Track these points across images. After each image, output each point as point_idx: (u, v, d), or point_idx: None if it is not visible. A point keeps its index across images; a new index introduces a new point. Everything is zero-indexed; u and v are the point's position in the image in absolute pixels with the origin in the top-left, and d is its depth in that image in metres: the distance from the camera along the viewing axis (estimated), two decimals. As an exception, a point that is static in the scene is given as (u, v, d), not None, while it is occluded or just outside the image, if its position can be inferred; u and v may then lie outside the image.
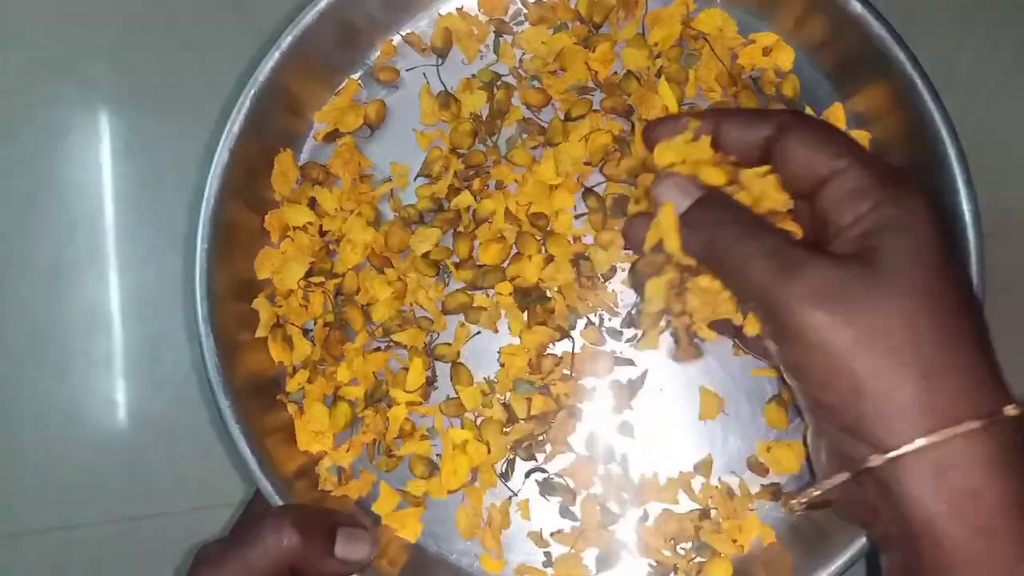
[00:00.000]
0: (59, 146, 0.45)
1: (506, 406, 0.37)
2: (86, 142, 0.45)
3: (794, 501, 0.30)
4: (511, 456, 0.37)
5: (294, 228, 0.38)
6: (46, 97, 0.46)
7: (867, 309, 0.26)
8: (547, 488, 0.37)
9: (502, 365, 0.37)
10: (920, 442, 0.25)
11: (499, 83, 0.39)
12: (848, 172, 0.28)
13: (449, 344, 0.38)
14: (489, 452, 0.36)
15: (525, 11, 0.39)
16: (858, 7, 0.35)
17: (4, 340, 0.45)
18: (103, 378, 0.44)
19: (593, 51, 0.38)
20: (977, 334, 0.27)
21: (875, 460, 0.26)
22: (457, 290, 0.38)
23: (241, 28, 0.45)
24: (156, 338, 0.44)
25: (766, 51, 0.37)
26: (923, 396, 0.25)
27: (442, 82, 0.39)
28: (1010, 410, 0.26)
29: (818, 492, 0.29)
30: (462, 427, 0.37)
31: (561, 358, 0.37)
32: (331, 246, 0.39)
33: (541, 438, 0.37)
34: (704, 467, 0.37)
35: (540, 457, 0.37)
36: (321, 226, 0.38)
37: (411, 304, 0.38)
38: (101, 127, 0.45)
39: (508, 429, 0.37)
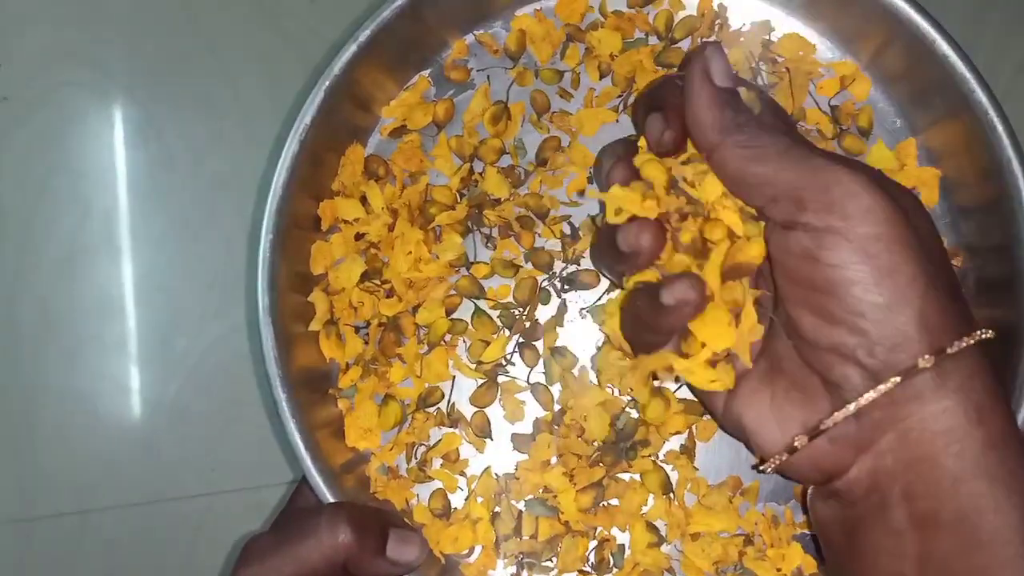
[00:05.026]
0: (72, 132, 0.45)
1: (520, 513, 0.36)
2: (99, 128, 0.45)
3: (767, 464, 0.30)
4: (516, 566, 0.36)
5: (344, 221, 0.38)
6: (59, 83, 0.45)
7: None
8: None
9: (517, 478, 0.36)
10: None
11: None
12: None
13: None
14: (498, 548, 0.36)
15: (602, 20, 0.39)
16: (944, 45, 0.35)
17: (18, 326, 0.44)
18: (116, 363, 0.44)
19: (666, 67, 0.38)
20: None
21: (926, 362, 0.26)
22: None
23: (253, 14, 0.45)
24: (169, 324, 0.44)
25: (844, 81, 0.37)
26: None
27: (507, 93, 0.39)
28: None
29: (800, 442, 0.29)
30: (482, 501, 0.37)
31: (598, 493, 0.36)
32: (372, 250, 0.38)
33: (547, 563, 0.36)
34: (751, 493, 0.37)
35: None
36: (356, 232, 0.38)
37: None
38: (114, 113, 0.45)
39: (517, 539, 0.36)
